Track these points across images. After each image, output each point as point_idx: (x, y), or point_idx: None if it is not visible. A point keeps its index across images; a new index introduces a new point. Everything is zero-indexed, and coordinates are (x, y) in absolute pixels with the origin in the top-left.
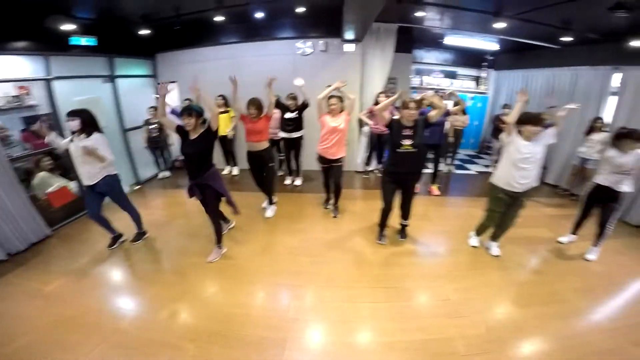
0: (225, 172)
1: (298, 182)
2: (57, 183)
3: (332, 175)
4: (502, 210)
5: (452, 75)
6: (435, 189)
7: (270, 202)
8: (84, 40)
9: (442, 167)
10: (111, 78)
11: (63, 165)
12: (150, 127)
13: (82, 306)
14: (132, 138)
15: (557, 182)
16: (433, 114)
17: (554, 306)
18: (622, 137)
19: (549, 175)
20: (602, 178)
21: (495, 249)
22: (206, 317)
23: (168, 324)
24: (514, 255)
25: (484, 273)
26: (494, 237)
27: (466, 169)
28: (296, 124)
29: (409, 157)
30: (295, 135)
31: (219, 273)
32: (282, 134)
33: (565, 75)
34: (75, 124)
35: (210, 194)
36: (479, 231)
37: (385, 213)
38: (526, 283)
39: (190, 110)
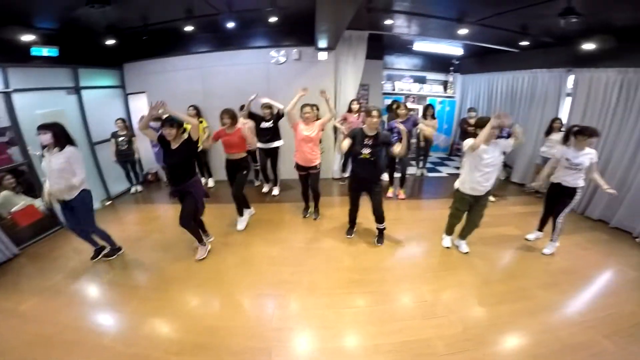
0: None
1: (276, 191)
2: (22, 202)
3: (309, 182)
4: (466, 209)
5: (421, 80)
6: (401, 193)
7: (240, 214)
8: (45, 51)
9: (411, 171)
10: (76, 89)
11: (26, 183)
12: (119, 139)
13: (59, 324)
14: (101, 152)
15: (522, 181)
16: (396, 151)
17: (523, 302)
18: (576, 134)
19: (514, 175)
20: (557, 176)
21: (464, 246)
22: (189, 330)
23: (151, 338)
24: (484, 254)
25: (456, 273)
26: (463, 236)
27: (438, 171)
28: (273, 134)
29: (367, 165)
30: (272, 145)
31: (199, 286)
32: (259, 144)
33: (524, 77)
34: (46, 137)
35: (189, 201)
36: (448, 231)
37: (352, 212)
38: (496, 281)
39: (172, 121)
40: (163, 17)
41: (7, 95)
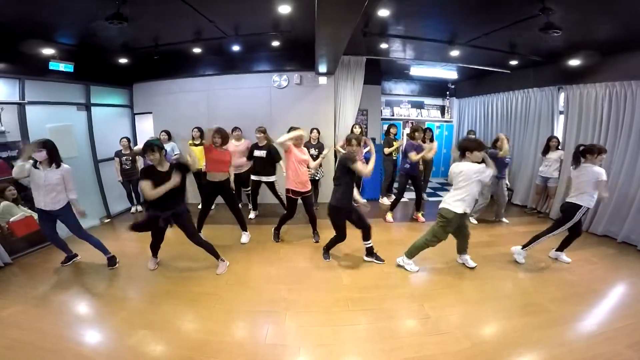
0: (200, 206)
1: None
2: (21, 213)
3: (306, 206)
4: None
5: (419, 106)
6: (420, 216)
7: (244, 229)
8: (62, 66)
9: (410, 195)
10: (86, 106)
11: (28, 197)
12: (123, 158)
13: (40, 332)
14: (104, 170)
15: (523, 203)
16: (361, 169)
17: (534, 317)
18: (585, 154)
19: (515, 196)
20: (581, 199)
21: (471, 261)
22: (178, 344)
23: (136, 351)
24: (488, 272)
25: (460, 290)
26: (463, 251)
27: (438, 195)
28: (264, 165)
29: (336, 193)
30: (262, 178)
31: (192, 301)
32: (253, 177)
33: (518, 97)
34: (41, 155)
35: (185, 221)
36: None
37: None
38: (503, 297)
39: (153, 145)
40: (174, 38)
41: (22, 107)
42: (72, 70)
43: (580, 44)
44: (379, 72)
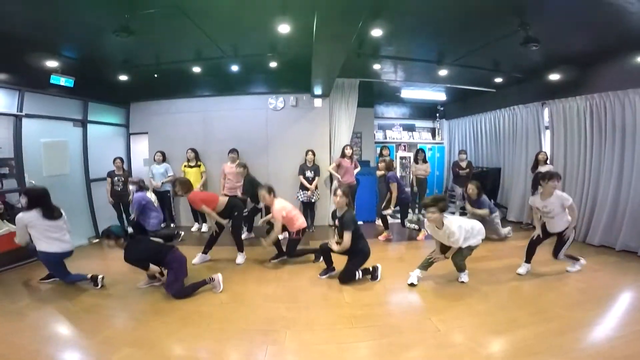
0: (193, 229)
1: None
2: (5, 228)
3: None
4: None
5: (411, 128)
6: (421, 234)
7: (240, 250)
8: (63, 80)
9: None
10: (82, 122)
11: (15, 211)
12: (114, 179)
13: (15, 345)
14: (96, 190)
15: (518, 219)
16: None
17: (549, 324)
18: (541, 180)
19: (510, 213)
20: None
21: (464, 276)
22: None
23: None
24: (494, 283)
25: (467, 302)
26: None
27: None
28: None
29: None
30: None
31: (183, 319)
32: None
33: (504, 115)
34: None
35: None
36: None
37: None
38: (513, 307)
39: (108, 233)
40: (175, 56)
41: (19, 120)
42: (72, 85)
43: (558, 58)
44: (372, 95)
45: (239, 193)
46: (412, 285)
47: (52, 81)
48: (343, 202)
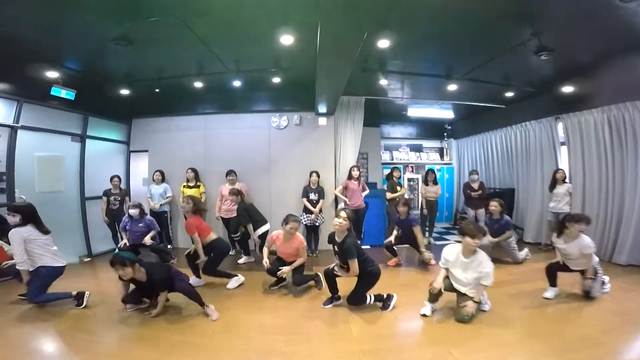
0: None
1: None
2: None
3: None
4: None
5: (418, 149)
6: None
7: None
8: (64, 93)
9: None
10: (81, 137)
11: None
12: (111, 197)
13: None
14: (91, 208)
15: (536, 240)
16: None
17: (589, 351)
18: (567, 223)
19: (526, 235)
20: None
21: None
22: None
23: None
24: (520, 309)
25: (491, 332)
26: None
27: (445, 239)
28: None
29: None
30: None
31: (169, 349)
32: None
33: (516, 132)
34: (13, 220)
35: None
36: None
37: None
38: (545, 334)
39: (123, 259)
40: (176, 71)
41: (14, 131)
42: (73, 98)
43: (571, 69)
44: (378, 114)
45: (234, 215)
46: (424, 315)
47: (52, 93)
48: (345, 227)
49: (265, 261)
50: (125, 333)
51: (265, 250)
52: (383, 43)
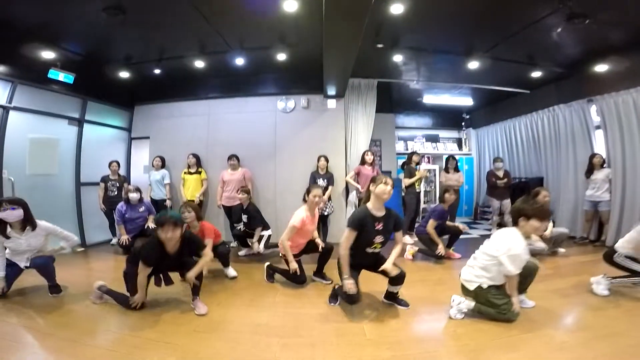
0: None
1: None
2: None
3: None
4: None
5: (434, 139)
6: (453, 253)
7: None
8: (62, 76)
9: None
10: (79, 121)
11: None
12: (109, 183)
13: None
14: (86, 194)
15: (570, 234)
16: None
17: None
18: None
19: (558, 228)
20: None
21: (527, 301)
22: None
23: None
24: (570, 306)
25: (544, 334)
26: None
27: (467, 233)
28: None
29: (374, 256)
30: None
31: (135, 349)
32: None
33: (543, 118)
34: (17, 214)
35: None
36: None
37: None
38: (613, 335)
39: (175, 218)
40: (177, 51)
41: (5, 112)
42: (71, 81)
43: (605, 46)
44: (390, 101)
45: (236, 202)
46: (459, 314)
47: (49, 76)
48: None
49: (295, 267)
50: (90, 327)
51: (288, 250)
52: (396, 8)
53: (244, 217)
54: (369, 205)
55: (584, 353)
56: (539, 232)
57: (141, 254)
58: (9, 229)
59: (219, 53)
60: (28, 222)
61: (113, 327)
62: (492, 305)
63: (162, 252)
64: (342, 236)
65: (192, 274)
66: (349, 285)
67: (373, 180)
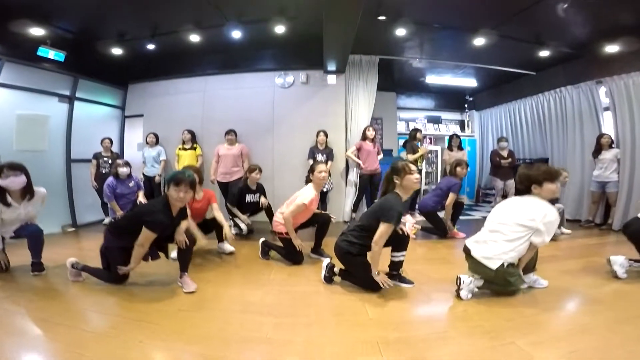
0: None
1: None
2: None
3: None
4: None
5: (436, 120)
6: (457, 232)
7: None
8: (52, 54)
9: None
10: (70, 99)
11: None
12: (101, 160)
13: None
14: (77, 171)
15: (575, 216)
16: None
17: None
18: None
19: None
20: None
21: (541, 280)
22: None
23: None
24: (587, 288)
25: (565, 315)
26: (529, 269)
27: (469, 214)
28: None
29: None
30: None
31: (111, 329)
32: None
33: (549, 99)
34: (20, 180)
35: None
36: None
37: None
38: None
39: (193, 179)
40: (172, 26)
41: None
42: (62, 59)
43: (616, 26)
44: (393, 80)
45: (234, 177)
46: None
47: (39, 53)
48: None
49: (300, 243)
50: (62, 308)
51: (292, 228)
52: None
53: (255, 197)
54: (402, 195)
55: (611, 337)
56: (556, 194)
57: (149, 219)
58: (9, 198)
59: (216, 27)
60: (29, 189)
61: (92, 307)
62: (505, 283)
63: (170, 217)
64: (377, 233)
65: (182, 227)
66: (384, 279)
67: (396, 172)
